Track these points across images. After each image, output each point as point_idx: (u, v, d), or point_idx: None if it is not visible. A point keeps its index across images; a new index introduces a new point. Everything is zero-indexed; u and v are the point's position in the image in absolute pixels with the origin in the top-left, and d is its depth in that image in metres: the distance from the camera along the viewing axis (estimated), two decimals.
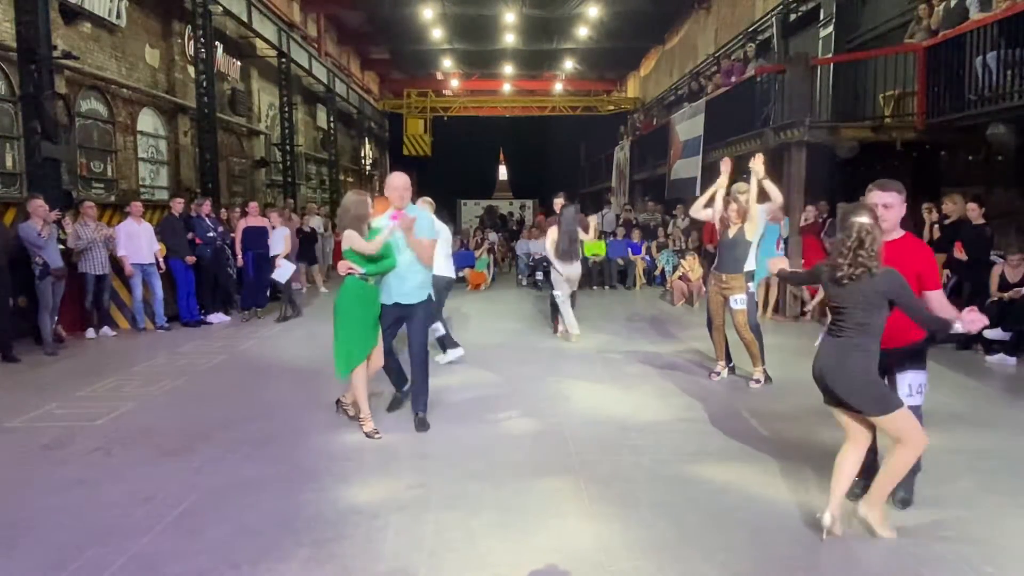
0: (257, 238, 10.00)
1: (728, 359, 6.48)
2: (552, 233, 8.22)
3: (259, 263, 10.03)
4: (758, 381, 6.09)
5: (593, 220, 9.93)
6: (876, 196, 3.46)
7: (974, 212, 7.65)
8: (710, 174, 13.73)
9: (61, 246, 8.04)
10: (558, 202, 8.43)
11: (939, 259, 7.93)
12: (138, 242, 8.86)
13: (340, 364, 4.78)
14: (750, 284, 6.21)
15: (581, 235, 8.35)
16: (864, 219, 3.20)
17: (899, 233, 3.51)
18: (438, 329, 7.17)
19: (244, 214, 10.61)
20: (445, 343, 7.23)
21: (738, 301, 6.09)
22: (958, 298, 7.67)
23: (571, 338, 8.23)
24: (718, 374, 6.38)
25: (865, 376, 3.23)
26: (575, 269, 8.21)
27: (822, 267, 3.41)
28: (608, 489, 3.93)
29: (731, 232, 6.11)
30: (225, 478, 4.13)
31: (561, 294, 8.31)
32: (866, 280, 3.15)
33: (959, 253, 7.59)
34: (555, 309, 8.56)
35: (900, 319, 3.34)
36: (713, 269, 6.37)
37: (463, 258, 14.70)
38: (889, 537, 3.30)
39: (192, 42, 13.33)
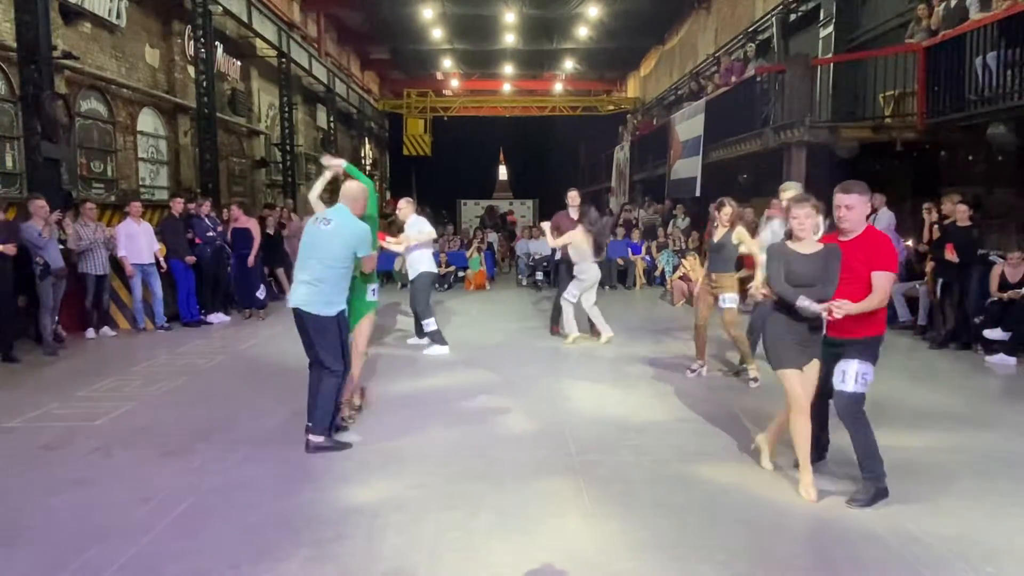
0: (241, 239, 10.02)
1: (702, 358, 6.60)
2: (578, 234, 7.78)
3: (242, 264, 10.04)
4: (756, 380, 6.12)
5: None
6: (837, 198, 3.71)
7: (962, 214, 7.56)
8: (710, 174, 13.79)
9: (61, 246, 8.05)
10: (572, 195, 8.13)
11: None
12: (138, 242, 8.86)
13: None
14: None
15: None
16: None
17: (860, 230, 3.73)
18: (430, 324, 7.69)
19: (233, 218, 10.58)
20: (434, 337, 7.69)
21: (727, 300, 6.26)
22: (947, 300, 7.62)
23: (603, 340, 7.96)
24: (694, 371, 6.52)
25: None
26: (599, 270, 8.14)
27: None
28: (608, 489, 3.93)
29: (717, 236, 6.28)
30: (225, 478, 4.13)
31: (582, 295, 7.92)
32: None
33: (950, 255, 7.47)
34: (557, 311, 8.34)
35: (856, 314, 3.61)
36: (706, 269, 6.54)
37: (456, 258, 14.72)
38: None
39: (192, 42, 13.32)
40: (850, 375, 3.64)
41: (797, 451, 3.86)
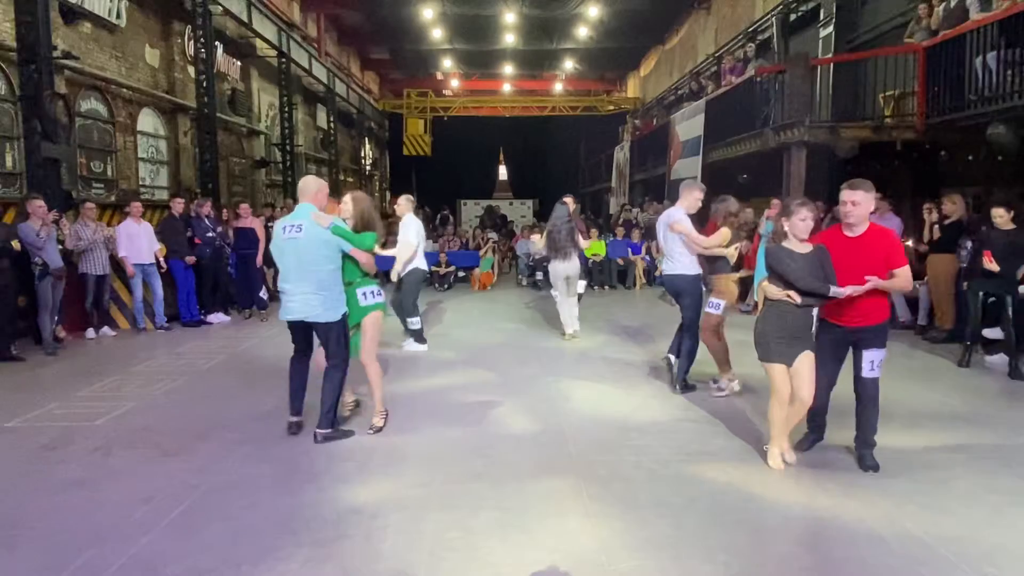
0: (243, 239, 10.03)
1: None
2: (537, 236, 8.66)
3: (244, 264, 10.03)
4: (721, 390, 5.88)
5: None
6: (844, 194, 4.01)
7: (1003, 218, 6.67)
8: (710, 174, 13.78)
9: (60, 246, 8.04)
10: (568, 201, 8.53)
11: (942, 260, 7.88)
12: (138, 242, 8.87)
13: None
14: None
15: (580, 240, 8.38)
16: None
17: (865, 226, 4.03)
18: (415, 322, 7.85)
19: (237, 215, 10.59)
20: (416, 336, 7.87)
21: (712, 304, 5.91)
22: (1003, 315, 6.70)
23: (565, 336, 8.38)
24: (730, 385, 5.93)
25: None
26: (566, 267, 8.14)
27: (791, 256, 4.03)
28: (608, 489, 3.93)
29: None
30: (225, 478, 4.13)
31: (557, 292, 8.55)
32: None
33: (990, 263, 6.57)
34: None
35: (870, 301, 3.95)
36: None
37: (466, 258, 14.69)
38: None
39: (192, 42, 13.31)
40: (876, 363, 4.09)
41: (772, 428, 4.20)
